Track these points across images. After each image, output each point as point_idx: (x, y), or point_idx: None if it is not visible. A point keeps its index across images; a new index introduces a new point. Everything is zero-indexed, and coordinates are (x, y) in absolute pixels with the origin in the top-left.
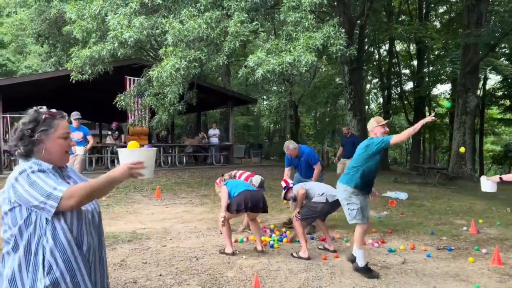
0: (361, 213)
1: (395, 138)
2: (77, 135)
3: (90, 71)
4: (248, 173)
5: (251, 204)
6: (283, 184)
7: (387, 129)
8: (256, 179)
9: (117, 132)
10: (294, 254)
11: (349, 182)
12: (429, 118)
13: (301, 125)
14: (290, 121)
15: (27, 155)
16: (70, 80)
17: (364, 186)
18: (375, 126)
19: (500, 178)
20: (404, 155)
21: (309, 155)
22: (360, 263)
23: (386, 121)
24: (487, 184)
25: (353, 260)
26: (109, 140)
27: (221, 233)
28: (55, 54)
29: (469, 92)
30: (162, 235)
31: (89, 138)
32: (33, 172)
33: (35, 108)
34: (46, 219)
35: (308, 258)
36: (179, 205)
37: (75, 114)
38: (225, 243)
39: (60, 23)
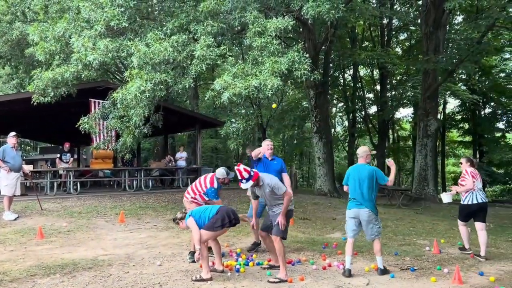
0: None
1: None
2: None
3: (52, 93)
4: (209, 174)
5: (233, 216)
6: (244, 173)
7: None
8: (220, 172)
9: (68, 155)
10: (271, 280)
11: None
12: (392, 164)
13: None
14: (258, 143)
15: None
16: (32, 102)
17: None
18: (368, 153)
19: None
20: None
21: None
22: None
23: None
24: (445, 196)
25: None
26: (62, 165)
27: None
28: (17, 76)
29: (430, 116)
30: (125, 261)
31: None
32: None
33: None
34: None
35: (288, 281)
36: (144, 230)
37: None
38: (202, 267)
39: (23, 44)
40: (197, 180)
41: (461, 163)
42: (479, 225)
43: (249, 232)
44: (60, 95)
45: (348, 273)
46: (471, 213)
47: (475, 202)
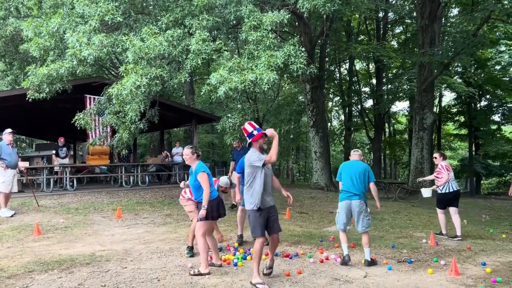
0: None
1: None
2: None
3: (47, 89)
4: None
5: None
6: (248, 127)
7: None
8: (224, 181)
9: (64, 149)
10: (265, 271)
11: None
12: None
13: (266, 142)
14: None
15: None
16: (27, 99)
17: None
18: (362, 156)
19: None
20: None
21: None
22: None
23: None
24: (425, 191)
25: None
26: (59, 160)
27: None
28: (12, 72)
29: (426, 109)
30: (123, 257)
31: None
32: None
33: None
34: None
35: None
36: (141, 225)
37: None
38: (201, 260)
39: (17, 41)
40: None
41: (435, 158)
42: (453, 210)
43: (246, 226)
44: (55, 91)
45: (348, 258)
46: (448, 200)
47: (451, 190)
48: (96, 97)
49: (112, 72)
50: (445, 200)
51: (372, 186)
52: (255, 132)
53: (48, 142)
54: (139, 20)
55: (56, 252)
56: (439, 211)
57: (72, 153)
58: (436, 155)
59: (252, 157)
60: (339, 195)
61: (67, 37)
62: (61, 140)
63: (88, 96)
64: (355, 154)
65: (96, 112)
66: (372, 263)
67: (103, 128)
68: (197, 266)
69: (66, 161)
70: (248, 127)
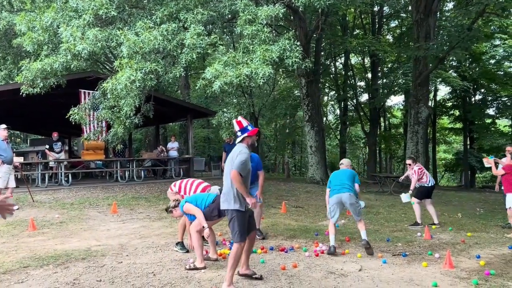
0: None
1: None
2: None
3: (41, 84)
4: (203, 184)
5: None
6: (243, 122)
7: None
8: (215, 190)
9: (59, 144)
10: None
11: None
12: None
13: (262, 137)
14: None
15: None
16: (21, 94)
17: None
18: (350, 164)
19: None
20: (361, 165)
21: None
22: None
23: None
24: (404, 197)
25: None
26: (54, 155)
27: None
28: (5, 67)
29: (421, 103)
30: (118, 252)
31: None
32: None
33: None
34: None
35: (281, 268)
36: (137, 220)
37: None
38: (197, 255)
39: (10, 35)
40: (189, 181)
41: (409, 165)
42: (429, 201)
43: None
44: (49, 86)
45: (333, 250)
46: (428, 192)
47: (431, 184)
48: (91, 91)
49: (107, 67)
50: (426, 192)
51: (356, 186)
52: (250, 128)
53: (43, 137)
54: (133, 14)
55: (51, 247)
56: (416, 201)
57: (67, 148)
58: (408, 161)
59: (239, 158)
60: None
61: (61, 32)
62: (55, 135)
63: (82, 91)
64: (344, 166)
65: (91, 107)
66: (368, 244)
67: (98, 123)
68: (192, 260)
69: (62, 155)
70: (242, 120)
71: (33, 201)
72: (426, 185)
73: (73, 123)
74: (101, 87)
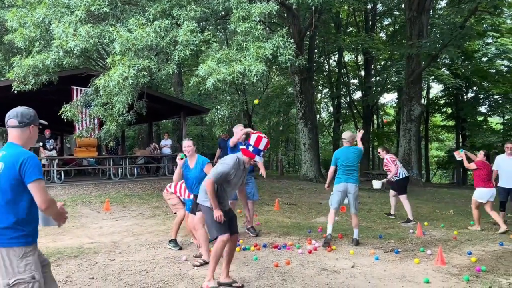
0: None
1: None
2: None
3: (33, 81)
4: None
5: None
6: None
7: None
8: None
9: (52, 141)
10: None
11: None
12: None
13: None
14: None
15: None
16: (12, 90)
17: None
18: (354, 136)
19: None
20: None
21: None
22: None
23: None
24: (376, 183)
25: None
26: (46, 152)
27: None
28: None
29: (414, 101)
30: (111, 249)
31: None
32: None
33: None
34: None
35: (274, 265)
36: (130, 218)
37: None
38: (203, 250)
39: (1, 31)
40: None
41: (379, 153)
42: (403, 196)
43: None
44: (41, 82)
45: (330, 237)
46: (406, 185)
47: (406, 175)
48: (83, 88)
49: (99, 64)
50: (405, 185)
51: None
52: (259, 154)
53: None
54: (126, 10)
55: (43, 245)
56: (403, 197)
57: (59, 145)
58: (379, 150)
59: (220, 168)
60: (335, 178)
61: (53, 28)
62: (47, 132)
63: (75, 87)
64: (347, 141)
65: (83, 104)
66: (358, 243)
67: (90, 120)
68: (199, 258)
69: (54, 153)
70: (262, 143)
71: None
72: (398, 178)
73: (65, 120)
74: (93, 84)
